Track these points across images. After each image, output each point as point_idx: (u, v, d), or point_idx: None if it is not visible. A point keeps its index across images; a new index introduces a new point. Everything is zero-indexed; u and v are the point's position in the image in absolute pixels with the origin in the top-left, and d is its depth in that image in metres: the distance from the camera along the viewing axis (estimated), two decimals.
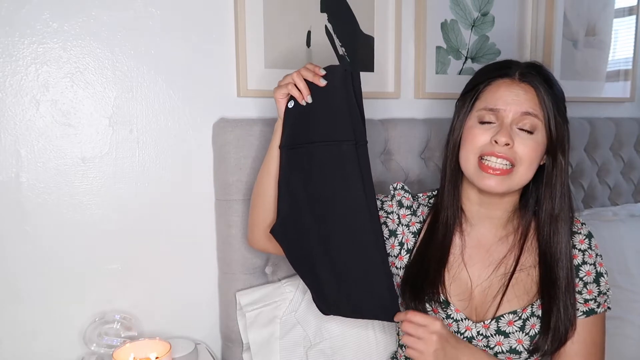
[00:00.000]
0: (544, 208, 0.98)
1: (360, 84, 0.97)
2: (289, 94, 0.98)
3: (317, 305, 1.04)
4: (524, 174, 0.94)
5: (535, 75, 0.94)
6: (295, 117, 0.98)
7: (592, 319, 0.96)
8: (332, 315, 1.06)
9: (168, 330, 1.21)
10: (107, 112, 1.12)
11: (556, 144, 0.94)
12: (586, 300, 0.97)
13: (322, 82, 0.95)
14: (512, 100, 0.93)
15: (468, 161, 0.96)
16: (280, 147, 1.00)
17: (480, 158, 0.94)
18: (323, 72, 0.95)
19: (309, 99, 0.96)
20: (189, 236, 1.22)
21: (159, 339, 1.05)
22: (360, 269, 0.97)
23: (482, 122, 0.95)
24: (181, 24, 1.16)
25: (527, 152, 0.92)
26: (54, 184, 1.09)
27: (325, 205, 0.97)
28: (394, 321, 0.97)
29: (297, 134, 0.98)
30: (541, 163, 0.97)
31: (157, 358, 0.99)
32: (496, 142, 0.92)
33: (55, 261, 1.10)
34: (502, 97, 0.93)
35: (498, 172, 0.92)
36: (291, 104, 0.98)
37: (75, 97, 1.09)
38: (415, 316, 0.90)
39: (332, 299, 1.02)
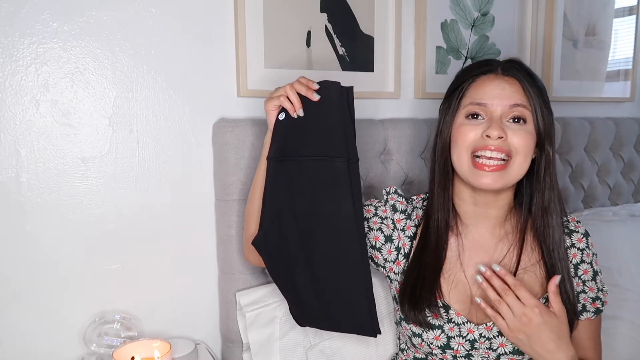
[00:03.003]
0: (535, 202, 0.98)
1: (353, 100, 0.96)
2: (280, 105, 0.97)
3: (293, 317, 1.04)
4: (520, 166, 0.93)
5: (517, 68, 0.95)
6: (285, 129, 0.97)
7: (598, 316, 1.02)
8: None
9: (168, 330, 1.21)
10: (107, 112, 1.12)
11: (544, 135, 0.94)
12: (593, 300, 1.00)
13: (316, 97, 0.94)
14: (498, 94, 0.93)
15: (461, 160, 0.95)
16: (268, 158, 0.99)
17: (474, 156, 0.93)
18: (316, 87, 0.95)
19: (301, 112, 0.95)
20: (189, 236, 1.22)
21: (159, 339, 1.05)
22: (342, 287, 0.97)
23: (471, 116, 0.94)
24: (181, 24, 1.16)
25: (522, 142, 0.92)
26: (54, 184, 1.09)
27: (311, 220, 0.96)
28: (373, 336, 0.98)
29: (287, 146, 0.97)
30: (533, 157, 0.97)
31: (157, 358, 0.99)
32: (488, 136, 0.91)
33: (55, 261, 1.10)
34: (488, 91, 0.93)
35: (494, 167, 0.91)
36: (282, 116, 0.97)
37: (75, 97, 1.09)
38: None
39: (310, 313, 1.02)
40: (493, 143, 0.91)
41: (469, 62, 1.58)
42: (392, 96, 1.44)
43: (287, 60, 1.27)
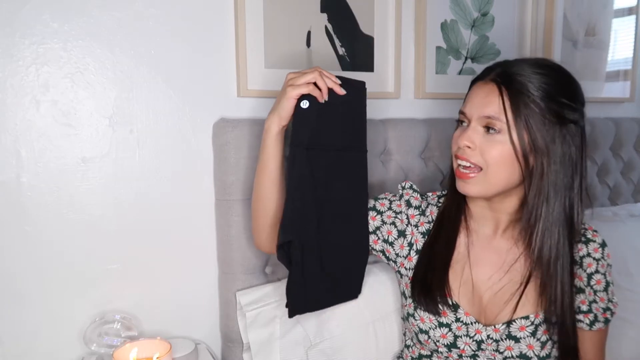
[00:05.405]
0: (523, 214, 0.95)
1: (366, 96, 1.06)
2: (301, 94, 0.96)
3: (289, 309, 1.04)
4: (496, 176, 0.91)
5: (510, 75, 0.90)
6: (309, 118, 0.98)
7: (606, 326, 1.02)
8: (329, 314, 1.12)
9: (168, 330, 1.21)
10: (107, 112, 1.12)
11: (526, 148, 0.89)
12: (604, 310, 1.00)
13: (342, 91, 0.99)
14: (475, 103, 0.93)
15: (453, 165, 0.98)
16: (294, 145, 0.98)
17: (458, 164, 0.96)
18: (339, 82, 0.99)
19: (326, 97, 0.98)
20: (189, 236, 1.22)
21: (159, 339, 1.05)
22: (345, 260, 1.08)
23: (459, 121, 0.98)
24: (181, 24, 1.16)
25: (493, 154, 0.90)
26: (54, 184, 1.09)
27: (332, 206, 1.03)
28: (355, 298, 1.11)
29: (314, 136, 0.99)
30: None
31: (157, 358, 0.99)
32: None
33: (55, 261, 1.10)
34: (471, 99, 0.95)
35: (465, 175, 0.94)
36: (305, 105, 0.97)
37: (76, 97, 1.09)
38: None
39: (310, 290, 1.04)
40: (462, 152, 0.94)
41: (469, 62, 1.58)
42: (392, 96, 1.44)
43: (287, 60, 1.27)
